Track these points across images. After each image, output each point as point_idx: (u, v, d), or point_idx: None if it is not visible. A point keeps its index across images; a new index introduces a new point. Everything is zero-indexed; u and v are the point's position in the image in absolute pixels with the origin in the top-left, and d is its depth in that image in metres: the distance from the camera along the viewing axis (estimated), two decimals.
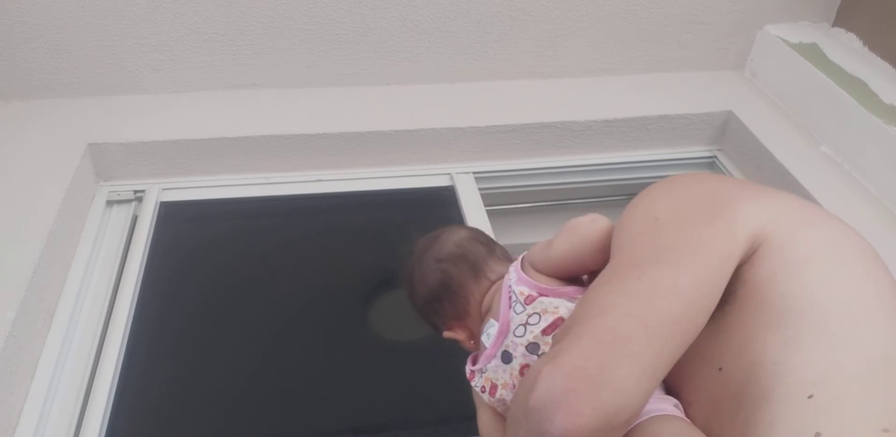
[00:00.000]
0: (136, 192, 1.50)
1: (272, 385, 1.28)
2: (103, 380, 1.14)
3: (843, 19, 1.71)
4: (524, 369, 0.77)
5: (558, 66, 1.72)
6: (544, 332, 0.76)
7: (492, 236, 1.39)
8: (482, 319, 0.87)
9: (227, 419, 1.23)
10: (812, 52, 1.64)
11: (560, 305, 0.78)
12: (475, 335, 0.88)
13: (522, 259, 0.85)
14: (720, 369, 0.66)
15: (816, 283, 0.64)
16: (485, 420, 0.87)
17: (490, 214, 1.47)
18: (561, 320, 0.76)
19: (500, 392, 0.81)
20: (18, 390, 1.10)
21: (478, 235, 0.96)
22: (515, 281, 0.81)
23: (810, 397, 0.59)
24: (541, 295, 0.79)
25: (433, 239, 0.95)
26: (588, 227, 0.78)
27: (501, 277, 0.87)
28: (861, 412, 0.58)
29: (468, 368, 0.87)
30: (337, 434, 1.24)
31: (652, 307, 0.60)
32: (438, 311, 0.92)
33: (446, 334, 0.92)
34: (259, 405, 1.24)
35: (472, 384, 0.86)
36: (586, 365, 0.56)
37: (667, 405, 0.71)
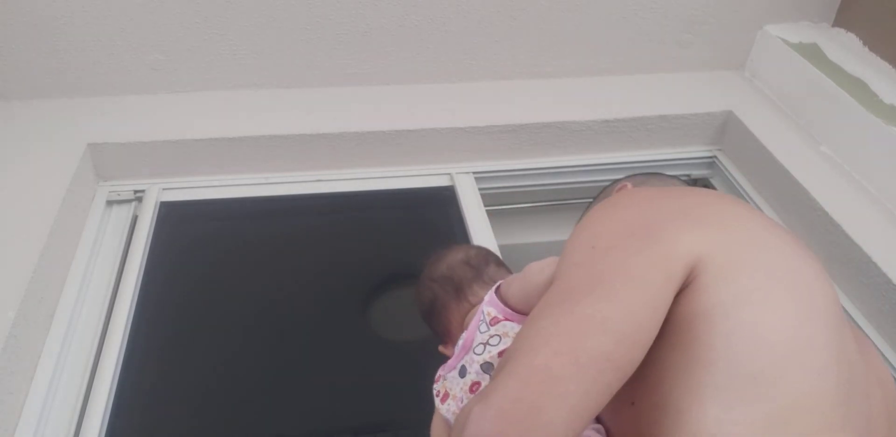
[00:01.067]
0: (136, 192, 1.50)
1: (272, 385, 1.28)
2: (103, 380, 1.14)
3: (843, 19, 1.71)
4: (474, 386, 0.79)
5: (558, 66, 1.72)
6: (500, 354, 0.78)
7: (492, 235, 1.40)
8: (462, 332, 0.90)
9: (226, 419, 1.23)
10: (812, 53, 1.64)
11: None
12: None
13: (499, 284, 0.87)
14: (633, 403, 0.66)
15: (731, 332, 0.63)
16: (437, 426, 0.90)
17: (490, 214, 1.47)
18: None
19: (448, 402, 0.84)
20: (18, 390, 1.10)
21: (472, 257, 1.00)
22: (487, 302, 0.84)
23: None
24: (505, 319, 0.81)
25: (436, 257, 1.01)
26: (535, 276, 0.77)
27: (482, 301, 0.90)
28: None
29: (439, 372, 0.91)
30: (337, 434, 1.24)
31: (582, 345, 0.59)
32: (432, 326, 0.99)
33: (440, 348, 0.99)
34: (259, 405, 1.24)
35: (434, 386, 0.90)
36: (514, 407, 0.56)
37: (590, 432, 0.72)
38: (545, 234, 1.78)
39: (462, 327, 0.92)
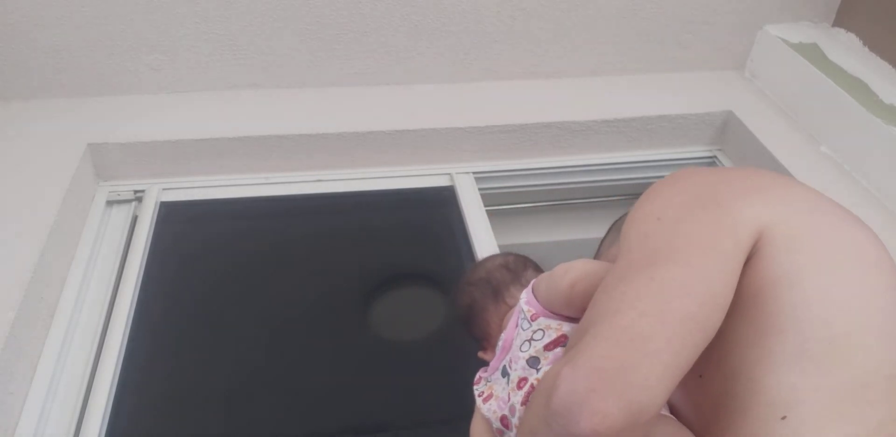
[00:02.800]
0: (136, 192, 1.50)
1: (272, 385, 1.28)
2: (103, 380, 1.14)
3: (843, 19, 1.71)
4: (521, 382, 0.79)
5: (558, 66, 1.72)
6: (546, 347, 0.78)
7: (492, 236, 1.40)
8: (500, 333, 0.91)
9: (227, 419, 1.23)
10: (812, 52, 1.64)
11: (563, 323, 0.80)
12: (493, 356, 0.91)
13: (532, 282, 0.87)
14: (700, 376, 0.66)
15: (801, 301, 0.63)
16: (477, 424, 0.89)
17: (490, 214, 1.47)
18: (564, 337, 0.78)
19: (491, 403, 0.84)
20: (18, 390, 1.10)
21: (510, 262, 1.01)
22: (525, 302, 0.84)
23: (784, 418, 0.60)
24: (543, 315, 0.81)
25: (476, 264, 1.03)
26: (559, 279, 0.78)
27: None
28: (834, 434, 0.59)
29: (479, 374, 0.91)
30: (337, 435, 1.24)
31: (667, 307, 0.59)
32: (471, 331, 0.99)
33: (479, 354, 0.98)
34: (259, 405, 1.24)
35: (475, 388, 0.89)
36: (607, 365, 0.56)
37: None
38: (545, 234, 1.79)
39: (500, 330, 0.92)
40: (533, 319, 0.81)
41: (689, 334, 0.59)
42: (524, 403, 0.77)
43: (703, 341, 0.60)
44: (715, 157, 1.69)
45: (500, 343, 0.86)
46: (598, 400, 0.54)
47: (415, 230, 1.56)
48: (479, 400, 0.87)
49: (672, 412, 0.72)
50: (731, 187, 0.71)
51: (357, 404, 1.24)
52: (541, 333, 0.79)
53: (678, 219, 0.68)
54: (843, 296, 0.64)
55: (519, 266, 1.01)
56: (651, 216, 0.70)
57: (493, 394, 0.85)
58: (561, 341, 0.78)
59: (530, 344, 0.79)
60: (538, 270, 1.02)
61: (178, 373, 1.28)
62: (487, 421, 0.86)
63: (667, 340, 0.57)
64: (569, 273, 0.77)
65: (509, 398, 0.80)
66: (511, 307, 0.93)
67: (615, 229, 0.99)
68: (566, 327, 0.79)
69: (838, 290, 0.64)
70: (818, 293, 0.64)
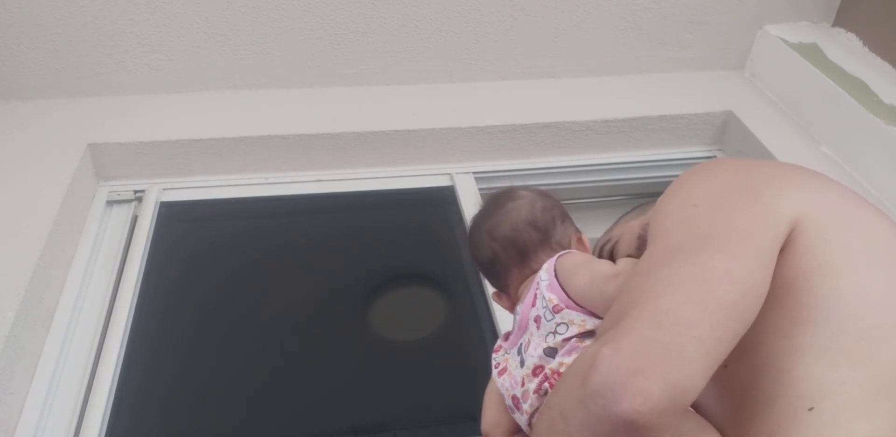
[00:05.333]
0: (136, 192, 1.50)
1: (273, 385, 1.28)
2: (103, 380, 1.14)
3: (843, 19, 1.71)
4: (537, 369, 0.78)
5: (558, 66, 1.72)
6: (565, 341, 0.77)
7: None
8: (517, 300, 0.89)
9: (227, 419, 1.23)
10: (812, 53, 1.64)
11: (587, 319, 0.77)
12: (513, 309, 0.89)
13: (556, 264, 0.83)
14: (726, 366, 0.65)
15: (834, 293, 0.63)
16: (491, 394, 0.87)
17: None
18: (589, 333, 0.76)
19: (505, 378, 0.83)
20: (18, 390, 1.10)
21: (538, 217, 0.93)
22: (547, 287, 0.81)
23: (811, 409, 0.59)
24: (567, 307, 0.79)
25: (496, 207, 0.95)
26: (607, 283, 0.75)
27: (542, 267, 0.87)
28: (862, 427, 0.58)
29: (500, 342, 0.89)
30: (337, 434, 1.24)
31: (710, 294, 0.58)
32: (489, 279, 0.95)
33: (493, 295, 0.95)
34: (259, 406, 1.24)
35: (494, 356, 0.87)
36: (651, 347, 0.55)
37: None
38: None
39: (518, 290, 0.90)
40: (556, 311, 0.78)
41: (730, 322, 0.58)
42: (537, 391, 0.77)
43: (742, 331, 0.59)
44: (715, 157, 1.69)
45: (516, 318, 0.84)
46: (643, 380, 0.53)
47: (415, 230, 1.56)
48: (494, 372, 0.85)
49: (692, 404, 0.72)
50: (765, 177, 0.70)
51: (357, 404, 1.24)
52: (564, 327, 0.77)
53: (715, 206, 0.67)
54: (877, 290, 0.63)
55: (548, 223, 0.93)
56: (686, 203, 0.69)
57: (508, 369, 0.83)
58: (580, 335, 0.77)
59: (554, 336, 0.78)
60: (565, 219, 0.95)
61: (178, 373, 1.28)
62: (500, 393, 0.85)
63: (710, 327, 0.57)
64: (620, 278, 0.74)
65: (523, 383, 0.79)
66: (535, 272, 0.88)
67: (639, 208, 0.98)
68: (590, 324, 0.77)
69: (872, 284, 0.64)
70: (852, 286, 0.63)
